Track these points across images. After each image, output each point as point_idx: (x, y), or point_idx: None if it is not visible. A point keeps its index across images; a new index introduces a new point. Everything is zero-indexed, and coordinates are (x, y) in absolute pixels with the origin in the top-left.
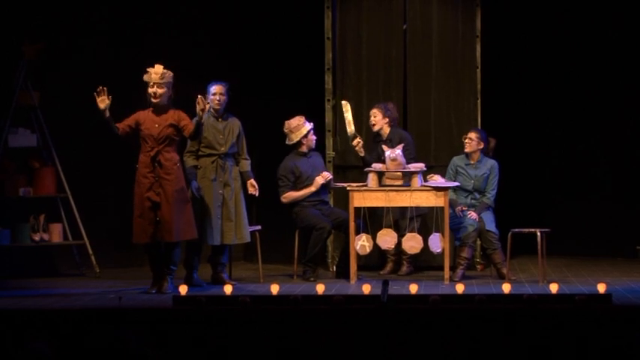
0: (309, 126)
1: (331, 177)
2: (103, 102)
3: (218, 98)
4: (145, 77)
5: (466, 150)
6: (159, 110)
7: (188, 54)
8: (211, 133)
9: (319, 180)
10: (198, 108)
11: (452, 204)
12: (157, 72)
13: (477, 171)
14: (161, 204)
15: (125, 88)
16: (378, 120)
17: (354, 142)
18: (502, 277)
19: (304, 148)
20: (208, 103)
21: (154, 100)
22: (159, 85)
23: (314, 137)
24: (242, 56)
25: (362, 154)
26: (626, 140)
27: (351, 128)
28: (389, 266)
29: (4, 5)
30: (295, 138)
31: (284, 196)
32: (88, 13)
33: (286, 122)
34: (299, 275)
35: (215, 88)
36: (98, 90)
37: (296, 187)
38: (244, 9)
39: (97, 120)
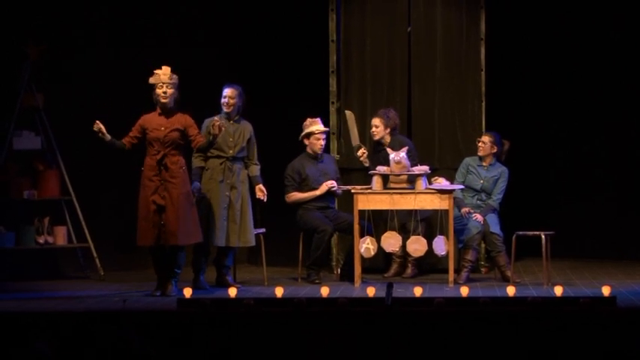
0: (316, 128)
1: (335, 185)
2: (102, 133)
3: (227, 101)
4: (153, 79)
5: (479, 153)
6: (165, 112)
7: (190, 56)
8: (221, 135)
9: (324, 187)
10: (213, 131)
11: (458, 204)
12: (165, 73)
13: (487, 172)
14: (166, 207)
15: (127, 88)
16: (380, 130)
17: (359, 153)
18: (506, 280)
19: (308, 149)
20: (222, 129)
21: (162, 100)
22: (168, 86)
23: (321, 142)
24: (245, 59)
25: (367, 165)
26: (631, 141)
27: (355, 139)
28: (394, 268)
29: (6, 7)
30: (301, 135)
31: (288, 195)
32: (89, 13)
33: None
34: (303, 278)
35: (226, 92)
36: (95, 129)
37: (301, 189)
38: (248, 11)
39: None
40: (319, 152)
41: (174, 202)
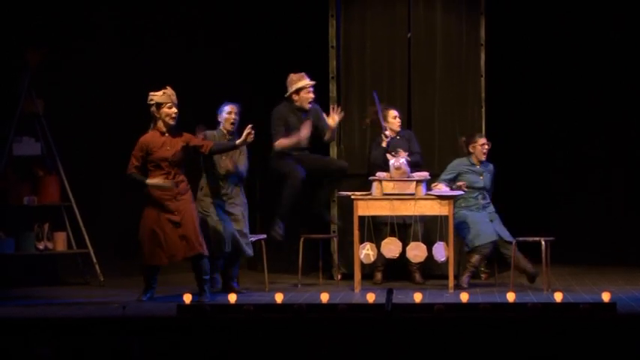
0: (304, 83)
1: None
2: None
3: (234, 118)
4: (161, 98)
5: (484, 158)
6: (169, 132)
7: (190, 62)
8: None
9: (303, 132)
10: (247, 138)
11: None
12: (173, 93)
13: (483, 168)
14: (181, 222)
15: (127, 94)
16: (400, 121)
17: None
18: (531, 278)
19: (297, 104)
20: (252, 136)
21: (171, 122)
22: (176, 106)
23: (311, 96)
24: (246, 64)
25: (385, 142)
26: (632, 145)
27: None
28: (377, 277)
29: (6, 14)
30: (289, 91)
31: (276, 143)
32: (88, 20)
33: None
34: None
35: (231, 108)
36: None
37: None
38: (249, 17)
39: (100, 130)
40: (308, 107)
41: (188, 217)
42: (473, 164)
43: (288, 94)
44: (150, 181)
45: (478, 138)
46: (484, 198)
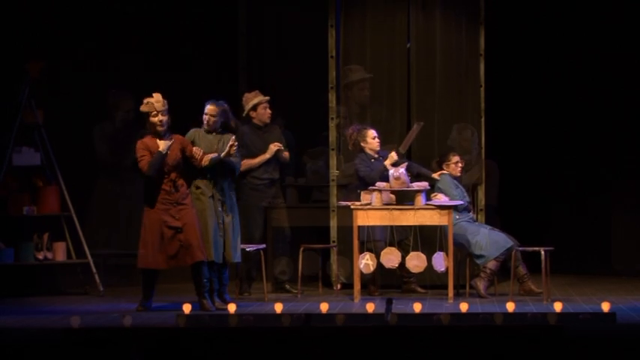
0: (259, 98)
1: (281, 146)
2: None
3: (208, 119)
4: (146, 107)
5: (460, 173)
6: (163, 137)
7: (187, 69)
8: (206, 146)
9: (272, 148)
10: (230, 150)
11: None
12: (157, 100)
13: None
14: (183, 228)
15: (128, 105)
16: (379, 141)
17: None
18: (527, 292)
19: (256, 121)
20: (235, 148)
21: (160, 129)
22: (162, 113)
23: (269, 111)
24: (246, 75)
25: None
26: (633, 153)
27: (404, 147)
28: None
29: (6, 24)
30: (245, 110)
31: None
32: (88, 29)
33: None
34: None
35: (208, 109)
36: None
37: (248, 157)
38: (248, 27)
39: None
40: (268, 122)
41: (189, 222)
42: (457, 179)
43: (245, 113)
44: (161, 147)
45: (452, 156)
46: (469, 211)
